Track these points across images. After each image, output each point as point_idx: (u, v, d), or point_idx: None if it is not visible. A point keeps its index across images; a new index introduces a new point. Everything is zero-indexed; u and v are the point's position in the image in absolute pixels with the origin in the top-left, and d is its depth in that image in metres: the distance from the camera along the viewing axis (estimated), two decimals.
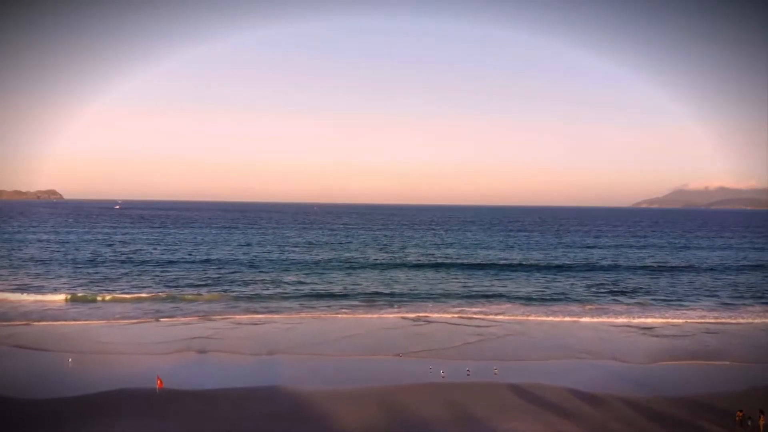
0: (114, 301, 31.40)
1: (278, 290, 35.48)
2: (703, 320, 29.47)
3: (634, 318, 29.55)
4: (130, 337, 23.68)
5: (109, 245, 64.50)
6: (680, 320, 29.29)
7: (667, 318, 29.58)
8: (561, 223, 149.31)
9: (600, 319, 29.02)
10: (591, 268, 47.58)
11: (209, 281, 38.57)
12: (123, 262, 48.04)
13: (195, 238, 77.93)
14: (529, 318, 28.95)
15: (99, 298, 31.63)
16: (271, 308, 30.27)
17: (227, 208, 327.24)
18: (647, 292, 36.44)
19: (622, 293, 36.13)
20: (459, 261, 51.90)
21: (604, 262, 52.04)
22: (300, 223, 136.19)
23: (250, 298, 32.93)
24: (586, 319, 29.08)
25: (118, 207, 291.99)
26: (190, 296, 32.77)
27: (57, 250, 57.92)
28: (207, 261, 49.77)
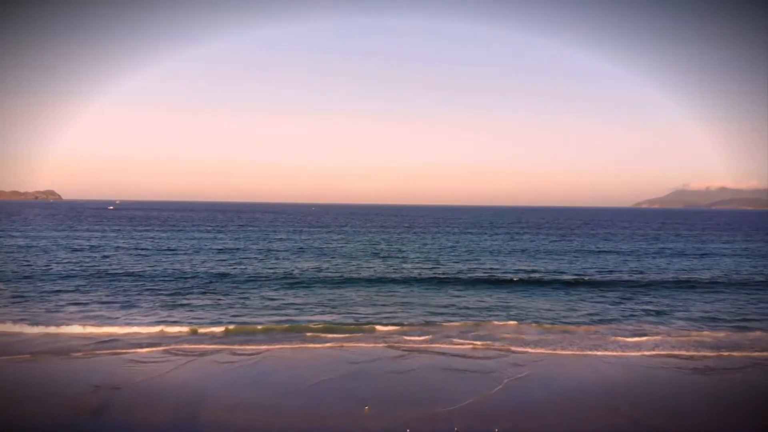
0: (23, 332, 25.37)
1: (245, 311, 29.61)
2: (756, 353, 23.75)
3: (678, 349, 23.75)
4: (15, 383, 17.87)
5: (78, 251, 58.95)
6: (733, 352, 23.62)
7: (715, 349, 23.88)
8: (566, 225, 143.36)
9: (636, 353, 23.20)
10: (612, 279, 41.44)
11: (165, 299, 32.75)
12: (78, 272, 42.24)
13: (175, 242, 72.28)
14: (548, 351, 23.22)
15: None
16: (229, 337, 24.43)
17: (224, 209, 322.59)
18: (685, 316, 30.37)
19: (657, 313, 30.08)
20: (462, 273, 45.91)
21: (624, 273, 46.08)
22: (294, 225, 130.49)
23: (206, 322, 27.04)
24: (619, 353, 23.36)
25: (112, 208, 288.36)
26: (131, 325, 26.89)
27: (15, 256, 52.24)
28: (175, 271, 44.02)
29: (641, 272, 46.88)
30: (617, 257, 59.04)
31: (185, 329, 25.40)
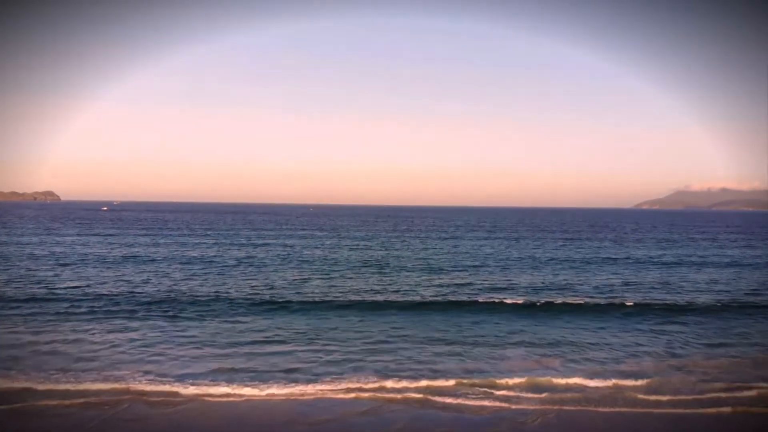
0: None
1: (191, 344, 23.64)
2: None
3: (756, 405, 17.92)
4: None
5: (39, 258, 53.21)
6: None
7: None
8: (571, 228, 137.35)
9: (706, 410, 17.32)
10: (642, 300, 35.41)
11: (98, 326, 26.84)
12: (17, 288, 36.39)
13: (152, 248, 66.47)
14: (582, 408, 17.37)
15: None
16: (156, 380, 18.52)
17: (221, 210, 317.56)
18: (748, 351, 24.31)
19: (708, 347, 24.17)
20: (466, 288, 40.04)
21: (652, 289, 40.11)
22: (286, 227, 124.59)
23: (131, 366, 21.10)
24: (675, 410, 17.43)
25: (105, 209, 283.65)
26: (37, 369, 21.04)
27: None
28: (133, 286, 38.19)
29: (668, 284, 41.03)
30: (636, 267, 53.16)
31: (107, 379, 19.51)
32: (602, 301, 33.61)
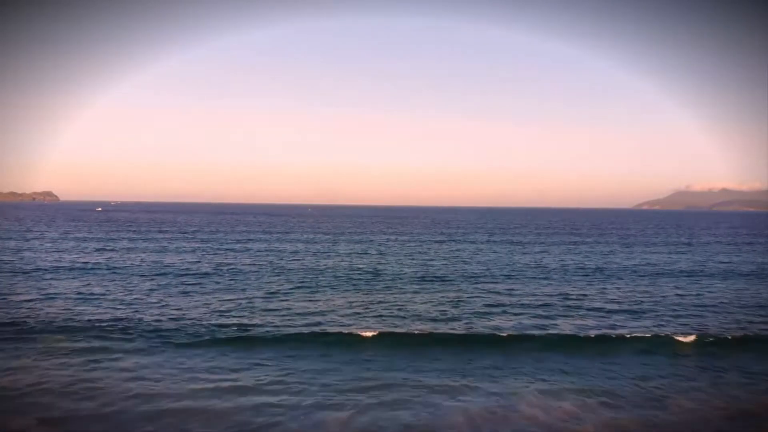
0: None
1: (109, 407, 18.45)
2: None
3: None
4: None
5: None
6: None
7: None
8: (577, 230, 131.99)
9: None
10: (692, 328, 29.94)
11: (13, 360, 21.73)
12: None
13: (124, 256, 61.36)
14: None
15: None
16: None
17: (218, 210, 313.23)
18: None
19: None
20: (473, 302, 34.93)
21: (690, 305, 34.98)
22: (281, 230, 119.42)
23: (38, 420, 15.96)
24: None
25: (99, 209, 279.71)
26: None
27: None
28: (73, 303, 33.09)
29: (705, 301, 35.75)
30: (660, 277, 47.92)
31: None
32: (640, 330, 27.85)
